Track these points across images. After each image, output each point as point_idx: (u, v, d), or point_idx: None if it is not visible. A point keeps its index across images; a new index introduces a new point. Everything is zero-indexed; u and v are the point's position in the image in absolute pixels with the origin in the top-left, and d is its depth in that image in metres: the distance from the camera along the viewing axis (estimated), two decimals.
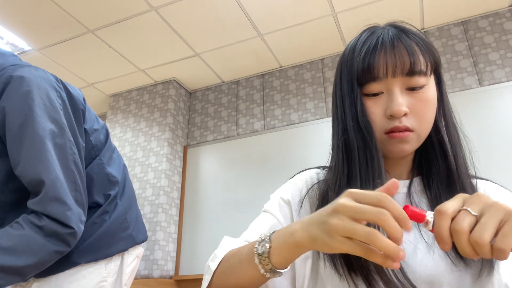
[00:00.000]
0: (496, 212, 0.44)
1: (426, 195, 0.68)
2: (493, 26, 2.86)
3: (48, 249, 0.88)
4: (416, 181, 0.70)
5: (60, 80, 1.04)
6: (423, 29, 3.04)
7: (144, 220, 2.99)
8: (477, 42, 2.86)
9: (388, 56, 0.64)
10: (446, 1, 2.77)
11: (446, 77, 2.83)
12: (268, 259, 0.54)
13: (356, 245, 0.45)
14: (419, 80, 0.64)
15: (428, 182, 0.69)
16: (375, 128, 0.65)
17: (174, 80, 3.59)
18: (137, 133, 3.52)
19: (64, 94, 1.02)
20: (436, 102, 0.68)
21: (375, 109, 0.65)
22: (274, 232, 0.56)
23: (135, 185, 3.27)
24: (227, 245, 0.67)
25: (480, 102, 2.65)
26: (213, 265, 0.63)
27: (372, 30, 0.69)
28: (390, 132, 0.64)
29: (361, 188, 0.61)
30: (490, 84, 2.71)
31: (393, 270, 0.56)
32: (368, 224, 0.45)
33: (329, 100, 3.18)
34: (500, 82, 2.68)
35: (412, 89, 0.65)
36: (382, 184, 0.62)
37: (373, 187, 0.62)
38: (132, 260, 1.11)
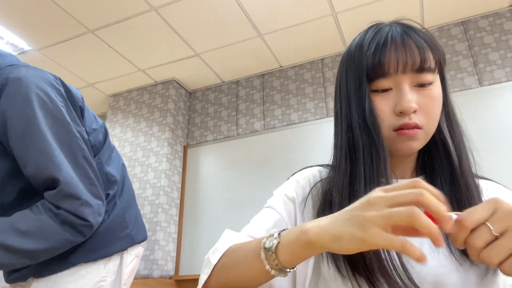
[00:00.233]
0: None
1: None
2: (493, 26, 2.85)
3: (62, 236, 0.91)
4: (420, 180, 0.70)
5: (59, 78, 1.04)
6: (423, 29, 3.04)
7: (144, 220, 2.99)
8: (477, 42, 2.86)
9: (399, 52, 0.64)
10: (446, 1, 2.77)
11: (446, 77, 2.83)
12: (275, 255, 0.52)
13: (394, 237, 0.43)
14: (428, 77, 0.64)
15: (432, 181, 0.68)
16: (383, 126, 0.64)
17: (174, 80, 3.59)
18: (137, 133, 3.52)
19: (63, 92, 1.02)
20: (442, 100, 0.67)
21: (383, 106, 0.64)
22: (284, 229, 0.55)
23: (135, 185, 3.27)
24: (229, 238, 0.65)
25: (480, 102, 2.65)
26: (213, 258, 0.61)
27: (378, 27, 0.69)
28: (399, 129, 0.63)
29: (365, 188, 0.61)
30: (490, 84, 2.71)
31: (397, 272, 0.55)
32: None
33: (329, 100, 3.18)
34: (500, 82, 2.68)
35: (420, 86, 0.64)
36: (387, 183, 0.61)
37: (378, 185, 0.61)
38: (131, 259, 1.10)
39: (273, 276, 0.55)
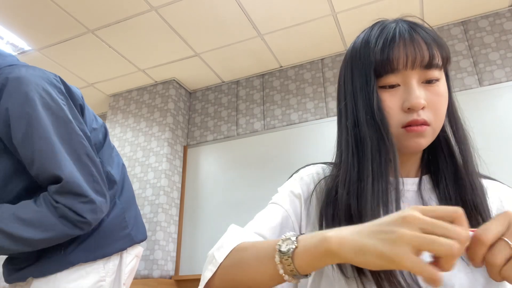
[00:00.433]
0: None
1: (436, 193, 0.67)
2: (493, 26, 2.85)
3: (59, 229, 0.93)
4: (426, 179, 0.70)
5: (59, 76, 1.04)
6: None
7: (144, 220, 2.99)
8: (477, 42, 2.86)
9: (408, 48, 0.63)
10: (446, 1, 2.76)
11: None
12: (291, 259, 0.49)
13: (426, 265, 0.40)
14: (435, 73, 0.64)
15: (437, 180, 0.68)
16: (391, 122, 0.63)
17: (174, 80, 3.59)
18: (137, 133, 3.52)
19: (64, 90, 1.02)
20: (448, 97, 0.67)
21: (391, 102, 0.64)
22: (302, 233, 0.53)
23: (135, 185, 3.27)
24: (236, 236, 0.63)
25: (480, 102, 2.65)
26: (219, 255, 0.59)
27: (383, 24, 0.68)
28: (408, 125, 0.63)
29: (373, 185, 0.60)
30: (490, 84, 2.71)
31: (402, 274, 0.55)
32: None
33: (329, 100, 3.18)
34: (500, 82, 2.68)
35: (427, 82, 0.64)
36: (396, 181, 0.61)
37: (385, 183, 0.60)
38: (131, 259, 1.10)
39: (284, 281, 0.52)
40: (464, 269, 0.59)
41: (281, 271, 0.50)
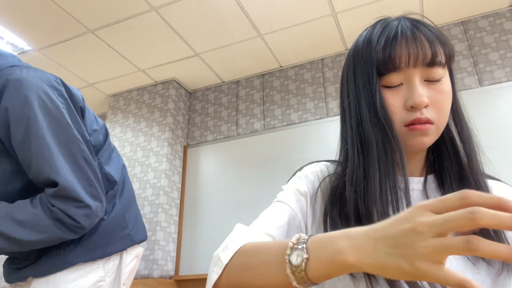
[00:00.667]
0: None
1: (441, 192, 0.67)
2: (493, 26, 2.85)
3: (53, 231, 0.93)
4: (430, 178, 0.69)
5: (59, 78, 1.04)
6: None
7: (144, 220, 2.99)
8: (477, 42, 2.86)
9: (410, 46, 0.62)
10: (446, 1, 2.76)
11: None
12: (305, 272, 0.47)
13: (451, 275, 0.37)
14: (438, 71, 0.63)
15: (442, 179, 0.67)
16: (394, 121, 0.63)
17: (174, 80, 3.59)
18: (137, 133, 3.52)
19: (64, 92, 1.02)
20: (451, 96, 0.66)
21: (394, 101, 0.63)
22: (308, 237, 0.50)
23: (135, 185, 3.27)
24: (241, 236, 0.61)
25: (480, 102, 2.65)
26: (224, 257, 0.57)
27: (386, 22, 0.68)
28: (411, 124, 0.62)
29: (380, 181, 0.60)
30: (490, 84, 2.71)
31: None
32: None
33: (329, 100, 3.18)
34: (500, 82, 2.68)
35: (430, 80, 0.63)
36: (405, 179, 0.60)
37: (393, 181, 0.60)
38: (131, 259, 1.10)
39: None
40: (470, 269, 0.59)
41: (295, 283, 0.48)
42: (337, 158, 0.72)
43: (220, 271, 0.56)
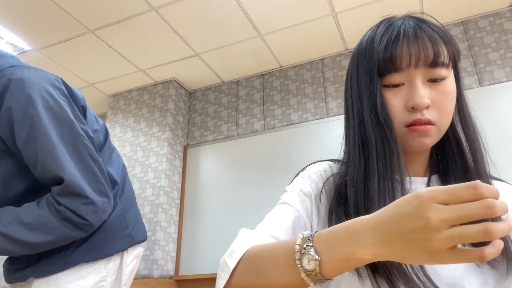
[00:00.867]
0: None
1: None
2: (493, 26, 2.85)
3: (62, 231, 0.93)
4: (434, 178, 0.69)
5: (60, 78, 1.04)
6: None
7: (144, 220, 2.99)
8: (477, 42, 2.86)
9: (412, 46, 0.62)
10: (446, 1, 2.77)
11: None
12: (320, 274, 0.48)
13: (466, 252, 0.39)
14: (441, 71, 0.62)
15: (446, 180, 0.67)
16: (395, 121, 0.62)
17: (174, 80, 3.59)
18: (137, 133, 3.52)
19: (65, 91, 1.02)
20: (456, 96, 0.66)
21: (395, 101, 0.63)
22: (313, 235, 0.50)
23: (135, 185, 3.28)
24: (246, 239, 0.61)
25: (480, 102, 2.65)
26: (231, 262, 0.57)
27: (390, 21, 0.67)
28: (411, 125, 0.62)
29: (379, 183, 0.60)
30: (490, 84, 2.71)
31: (414, 270, 0.54)
32: None
33: (329, 100, 3.18)
34: (500, 82, 2.68)
35: (433, 81, 0.63)
36: (402, 179, 0.60)
37: (392, 182, 0.60)
38: (131, 260, 1.10)
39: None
40: (474, 270, 0.59)
41: (312, 284, 0.49)
42: (341, 158, 0.72)
43: (227, 276, 0.56)
